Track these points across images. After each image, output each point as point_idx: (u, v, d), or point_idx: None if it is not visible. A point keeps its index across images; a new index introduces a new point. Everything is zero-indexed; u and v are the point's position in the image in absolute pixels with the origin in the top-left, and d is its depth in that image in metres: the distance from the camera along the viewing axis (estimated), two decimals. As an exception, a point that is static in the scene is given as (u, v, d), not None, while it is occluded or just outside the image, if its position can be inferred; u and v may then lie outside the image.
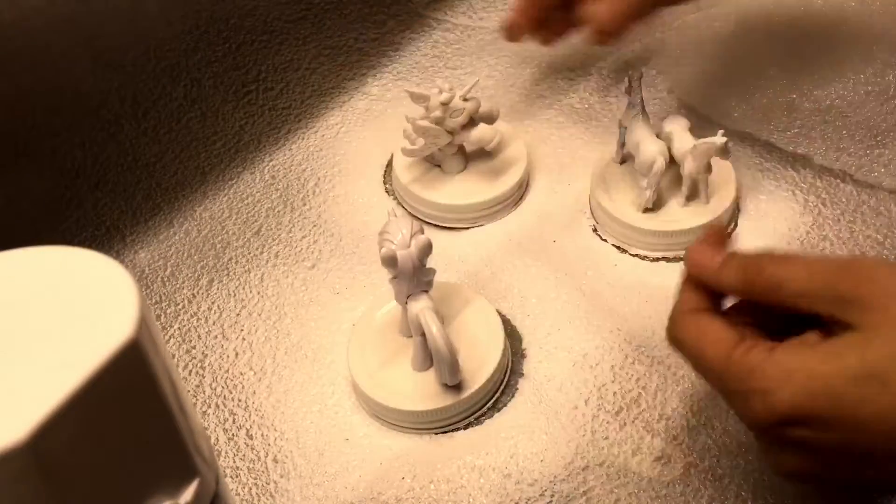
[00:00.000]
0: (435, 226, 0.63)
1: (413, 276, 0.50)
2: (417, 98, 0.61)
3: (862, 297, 0.38)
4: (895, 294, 0.38)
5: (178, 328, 0.59)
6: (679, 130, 0.59)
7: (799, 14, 0.73)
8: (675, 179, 0.61)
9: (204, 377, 0.57)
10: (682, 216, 0.60)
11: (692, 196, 0.60)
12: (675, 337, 0.44)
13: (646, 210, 0.60)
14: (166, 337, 0.59)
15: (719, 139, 0.56)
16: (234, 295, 0.61)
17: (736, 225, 0.61)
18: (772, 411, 0.38)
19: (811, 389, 0.37)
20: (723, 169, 0.61)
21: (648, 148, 0.58)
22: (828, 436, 0.38)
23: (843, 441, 0.38)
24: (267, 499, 0.51)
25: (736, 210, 0.61)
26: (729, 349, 0.40)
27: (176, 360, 0.58)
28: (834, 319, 0.39)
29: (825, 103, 0.67)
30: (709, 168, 0.59)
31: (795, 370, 0.38)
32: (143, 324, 0.29)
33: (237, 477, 0.52)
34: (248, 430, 0.54)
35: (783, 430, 0.39)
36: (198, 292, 0.61)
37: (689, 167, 0.58)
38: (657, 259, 0.60)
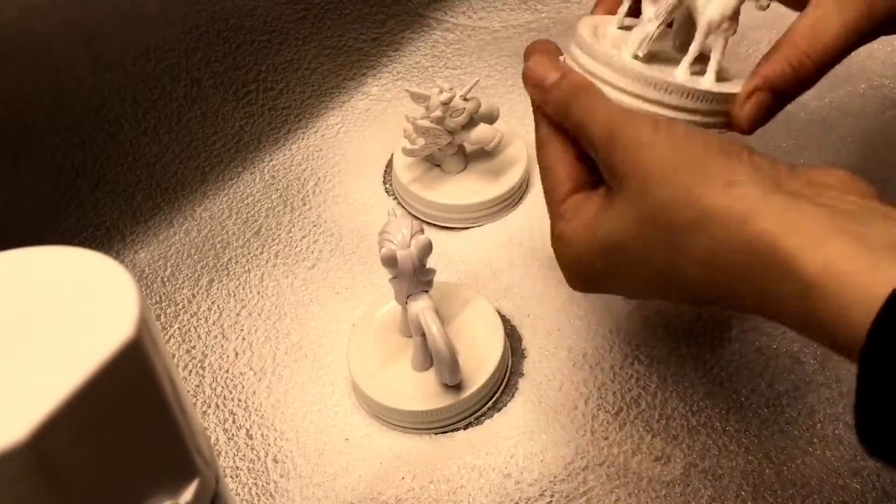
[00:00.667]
0: (435, 226, 0.63)
1: (413, 276, 0.50)
2: (417, 98, 0.61)
3: (615, 169, 0.41)
4: (635, 169, 0.40)
5: (178, 328, 0.59)
6: None
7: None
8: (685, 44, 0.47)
9: (204, 377, 0.57)
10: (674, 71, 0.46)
11: (700, 61, 0.46)
12: (538, 158, 0.46)
13: (636, 57, 0.46)
14: (166, 337, 0.59)
15: None
16: (234, 295, 0.61)
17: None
18: (569, 280, 0.45)
19: (583, 268, 0.44)
20: None
21: None
22: (603, 286, 0.45)
23: (613, 288, 0.45)
24: (267, 499, 0.51)
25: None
26: (556, 208, 0.44)
27: (176, 360, 0.58)
28: (606, 179, 0.42)
29: (822, 113, 0.67)
30: (734, 19, 0.45)
31: (574, 255, 0.43)
32: (143, 324, 0.29)
33: (237, 477, 0.52)
34: (248, 430, 0.54)
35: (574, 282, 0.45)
36: (198, 292, 0.61)
37: (710, 12, 0.45)
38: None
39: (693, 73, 0.46)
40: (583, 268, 0.44)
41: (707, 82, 0.46)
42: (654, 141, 0.40)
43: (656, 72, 0.45)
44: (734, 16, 0.45)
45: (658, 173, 0.39)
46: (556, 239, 0.44)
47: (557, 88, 0.44)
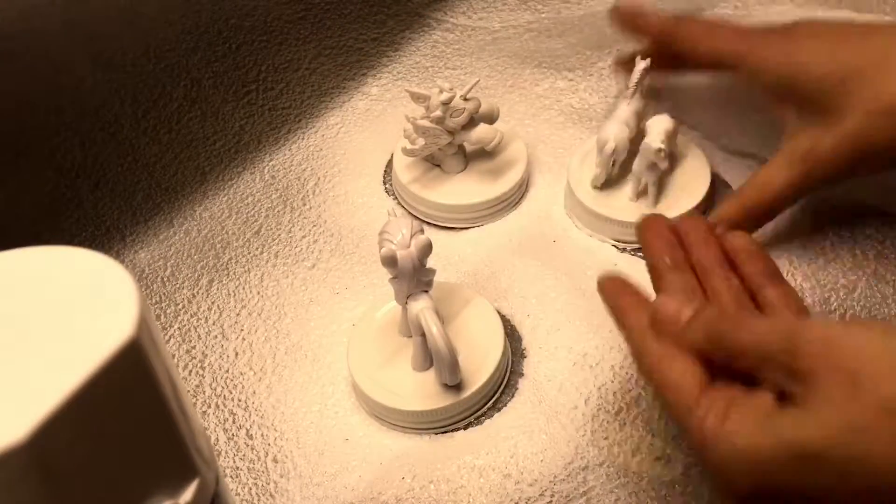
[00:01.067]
0: (435, 226, 0.63)
1: (413, 276, 0.50)
2: (418, 98, 0.61)
3: (802, 370, 0.37)
4: (835, 367, 0.36)
5: (178, 328, 0.59)
6: (655, 127, 0.59)
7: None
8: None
9: (204, 377, 0.57)
10: (623, 206, 0.61)
11: (643, 193, 0.61)
12: (641, 366, 0.44)
13: (595, 188, 0.61)
14: (166, 337, 0.59)
15: (655, 144, 0.57)
16: (234, 295, 0.61)
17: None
18: (728, 490, 0.39)
19: (757, 470, 0.38)
20: (695, 182, 0.61)
21: (607, 128, 0.60)
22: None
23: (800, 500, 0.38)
24: (267, 499, 0.51)
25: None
26: (687, 405, 0.40)
27: (176, 360, 0.58)
28: (786, 388, 0.38)
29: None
30: (654, 170, 0.59)
31: (743, 450, 0.38)
32: (143, 324, 0.29)
33: (237, 477, 0.52)
34: (248, 430, 0.54)
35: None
36: (198, 292, 0.61)
37: (636, 163, 0.59)
38: (627, 250, 0.59)
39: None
40: (762, 474, 0.38)
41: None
42: (858, 339, 0.37)
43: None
44: (650, 168, 0.58)
45: (876, 372, 0.36)
46: (708, 436, 0.39)
47: (701, 322, 0.42)
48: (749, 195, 0.56)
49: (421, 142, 0.62)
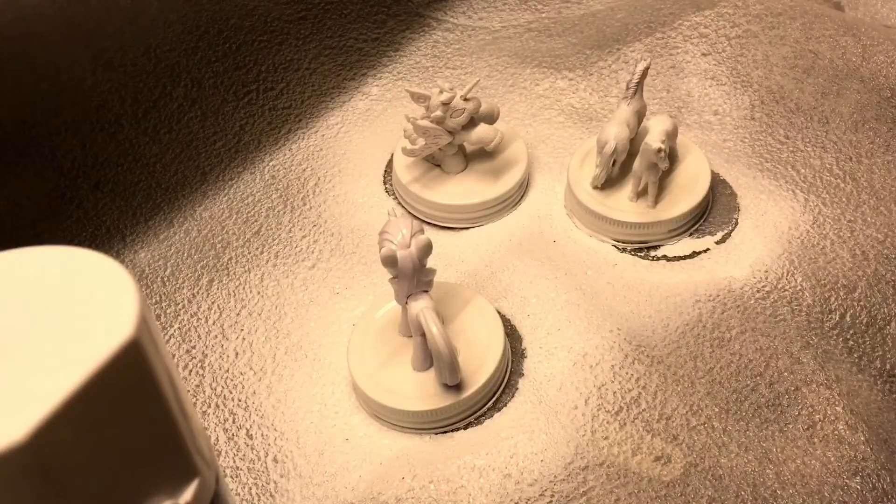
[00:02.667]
0: (435, 226, 0.63)
1: (413, 276, 0.50)
2: (418, 98, 0.61)
3: None
4: None
5: (178, 328, 0.59)
6: (655, 127, 0.59)
7: (809, 20, 0.73)
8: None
9: (204, 377, 0.57)
10: (623, 206, 0.61)
11: (642, 193, 0.61)
12: None
13: (595, 188, 0.62)
14: (166, 337, 0.59)
15: (655, 144, 0.57)
16: (234, 295, 0.61)
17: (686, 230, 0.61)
18: None
19: None
20: (697, 183, 0.61)
21: (607, 128, 0.60)
22: None
23: None
24: (267, 499, 0.51)
25: (683, 223, 0.61)
26: None
27: (176, 360, 0.58)
28: None
29: (820, 111, 0.67)
30: (654, 170, 0.59)
31: None
32: (143, 324, 0.29)
33: (237, 477, 0.52)
34: (248, 430, 0.54)
35: None
36: (198, 292, 0.61)
37: (636, 163, 0.59)
38: (627, 250, 0.61)
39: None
40: None
41: (647, 217, 0.60)
42: None
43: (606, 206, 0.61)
44: (650, 168, 0.59)
45: None
46: None
47: None
48: None
49: (421, 142, 0.62)
